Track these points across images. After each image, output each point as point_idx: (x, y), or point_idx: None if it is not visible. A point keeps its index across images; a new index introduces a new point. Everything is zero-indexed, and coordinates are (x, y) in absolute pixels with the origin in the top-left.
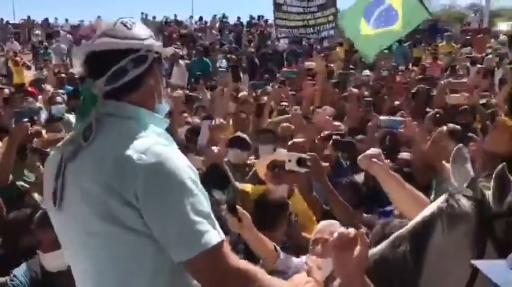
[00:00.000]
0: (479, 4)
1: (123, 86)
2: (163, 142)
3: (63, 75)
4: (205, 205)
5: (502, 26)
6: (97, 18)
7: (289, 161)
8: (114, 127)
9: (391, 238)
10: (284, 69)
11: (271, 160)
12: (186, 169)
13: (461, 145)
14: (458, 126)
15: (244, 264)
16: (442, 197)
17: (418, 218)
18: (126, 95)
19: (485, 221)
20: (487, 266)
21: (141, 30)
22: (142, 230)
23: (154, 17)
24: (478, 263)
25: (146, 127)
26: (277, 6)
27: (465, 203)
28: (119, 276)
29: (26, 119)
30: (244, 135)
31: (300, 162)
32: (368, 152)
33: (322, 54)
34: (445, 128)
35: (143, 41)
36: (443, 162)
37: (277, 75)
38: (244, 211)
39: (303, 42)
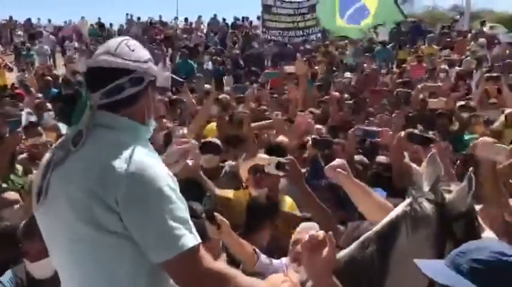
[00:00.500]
0: (461, 6)
1: (118, 101)
2: (147, 153)
3: (48, 77)
4: (183, 211)
5: (484, 28)
6: (80, 19)
7: (269, 164)
8: (103, 137)
9: (361, 238)
10: (266, 71)
11: (252, 165)
12: (165, 177)
13: (434, 151)
14: (416, 130)
15: (220, 266)
16: (407, 201)
17: (384, 220)
18: (118, 110)
19: (445, 223)
20: (427, 265)
21: (142, 53)
22: (123, 233)
23: (139, 18)
24: (419, 263)
25: (133, 139)
26: (266, 8)
27: (427, 206)
28: (105, 279)
29: (19, 130)
30: (216, 140)
31: (279, 166)
32: (333, 162)
33: (305, 58)
34: (403, 132)
35: (142, 63)
36: (414, 165)
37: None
38: (223, 218)
39: (287, 45)
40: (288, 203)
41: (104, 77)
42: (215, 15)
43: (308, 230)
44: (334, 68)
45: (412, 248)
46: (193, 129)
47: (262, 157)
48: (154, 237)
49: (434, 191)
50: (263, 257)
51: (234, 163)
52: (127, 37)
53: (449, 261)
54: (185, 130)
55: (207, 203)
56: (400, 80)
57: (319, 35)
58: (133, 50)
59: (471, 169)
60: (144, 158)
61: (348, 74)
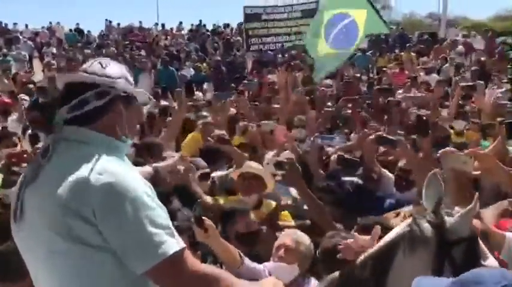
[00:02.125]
0: (437, 13)
1: (84, 115)
2: (120, 164)
3: (30, 85)
4: (162, 216)
5: (458, 35)
6: (56, 25)
7: (268, 163)
8: (73, 151)
9: (358, 260)
10: (245, 80)
11: (242, 172)
12: (141, 185)
13: (436, 170)
14: (384, 134)
15: (206, 268)
16: (407, 221)
17: (382, 241)
18: (86, 123)
19: (444, 247)
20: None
21: (114, 71)
22: (103, 246)
23: (118, 24)
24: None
25: (105, 151)
26: (252, 17)
27: (426, 228)
28: None
29: None
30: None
31: (278, 165)
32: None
33: (285, 66)
34: (372, 136)
35: (109, 78)
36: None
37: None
38: (210, 222)
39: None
40: (271, 206)
41: (71, 92)
42: (200, 21)
43: (292, 235)
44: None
45: (409, 271)
46: (167, 138)
47: (251, 165)
48: (134, 246)
49: (436, 214)
50: (247, 261)
51: (221, 172)
52: (103, 58)
53: None
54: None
55: (197, 209)
56: (378, 87)
57: None
58: (105, 67)
59: (477, 193)
60: (118, 168)
61: (327, 81)
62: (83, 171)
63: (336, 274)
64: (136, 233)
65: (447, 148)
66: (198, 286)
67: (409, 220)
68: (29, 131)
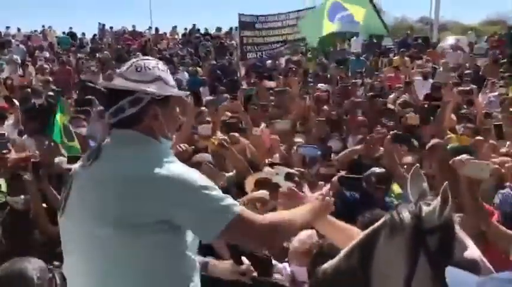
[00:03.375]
0: (429, 17)
1: (123, 120)
2: (168, 158)
3: (28, 89)
4: (218, 190)
5: (450, 39)
6: (47, 29)
7: (277, 174)
8: (119, 151)
9: (346, 249)
10: (242, 87)
11: (259, 178)
12: (192, 170)
13: (418, 164)
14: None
15: (266, 217)
16: (390, 211)
17: (367, 230)
18: (129, 127)
19: (419, 234)
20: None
21: (148, 74)
22: (157, 228)
23: (111, 27)
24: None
25: (151, 151)
26: (245, 25)
27: (406, 217)
28: (140, 275)
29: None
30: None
31: (288, 176)
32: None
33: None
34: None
35: (144, 84)
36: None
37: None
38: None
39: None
40: None
41: (111, 98)
42: (194, 25)
43: (308, 239)
44: (310, 79)
45: (390, 257)
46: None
47: (269, 171)
48: (210, 213)
49: (416, 204)
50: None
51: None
52: (140, 58)
53: None
54: None
55: None
56: (372, 93)
57: (309, 47)
58: (139, 71)
59: (446, 183)
60: (174, 161)
61: (322, 85)
62: (142, 165)
63: (325, 266)
64: (209, 204)
65: (463, 156)
66: (267, 234)
67: (391, 210)
68: (25, 136)
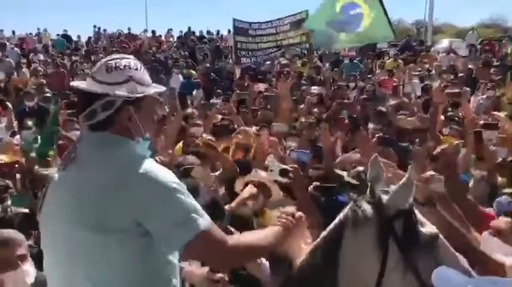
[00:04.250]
0: (424, 20)
1: (97, 123)
2: (144, 159)
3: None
4: (193, 200)
5: (444, 42)
6: (43, 32)
7: (271, 170)
8: (96, 153)
9: (310, 247)
10: (236, 91)
11: (249, 180)
12: (172, 175)
13: (376, 154)
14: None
15: (234, 236)
16: (349, 205)
17: (330, 226)
18: (104, 129)
19: (385, 222)
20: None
21: (119, 74)
22: (131, 231)
23: (105, 30)
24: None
25: (129, 151)
26: (240, 31)
27: (366, 208)
28: (117, 276)
29: None
30: None
31: (282, 173)
32: None
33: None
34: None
35: (115, 85)
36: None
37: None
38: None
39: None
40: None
41: (82, 101)
42: (189, 28)
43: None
44: (304, 82)
45: (357, 249)
46: (165, 146)
47: (259, 174)
48: (176, 225)
49: (372, 193)
50: (264, 261)
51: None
52: (111, 57)
53: None
54: None
55: (225, 221)
56: (364, 96)
57: (305, 51)
58: (110, 72)
59: (410, 166)
60: (149, 163)
61: (315, 88)
62: (115, 168)
63: (291, 269)
64: (176, 215)
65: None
66: (230, 255)
67: (350, 204)
68: (17, 136)
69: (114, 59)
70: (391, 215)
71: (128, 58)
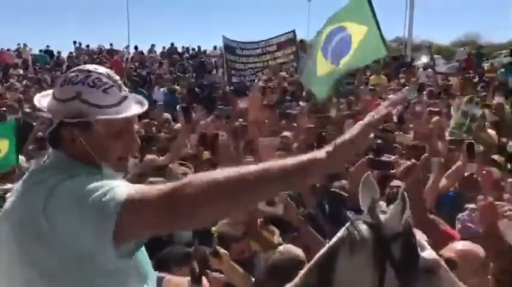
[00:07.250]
0: (403, 38)
1: (50, 139)
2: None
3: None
4: (95, 182)
5: (423, 58)
6: (22, 46)
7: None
8: (37, 176)
9: (302, 271)
10: (219, 107)
11: None
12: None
13: (369, 172)
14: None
15: (165, 186)
16: (345, 226)
17: (323, 249)
18: (55, 147)
19: (382, 244)
20: None
21: (66, 91)
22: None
23: (87, 46)
24: None
25: (62, 172)
26: (228, 49)
27: (364, 229)
28: None
29: None
30: None
31: (270, 203)
32: None
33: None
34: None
35: (60, 102)
36: None
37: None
38: (225, 251)
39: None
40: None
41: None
42: (172, 44)
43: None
44: (289, 97)
45: (353, 273)
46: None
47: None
48: (91, 221)
49: (371, 213)
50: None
51: None
52: (74, 69)
53: None
54: None
55: (214, 244)
56: (348, 112)
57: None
58: (62, 86)
59: (402, 187)
60: (65, 182)
61: (301, 104)
62: (35, 194)
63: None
64: (89, 213)
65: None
66: (167, 205)
67: (346, 225)
68: None
69: (74, 70)
70: (389, 236)
71: (88, 71)
